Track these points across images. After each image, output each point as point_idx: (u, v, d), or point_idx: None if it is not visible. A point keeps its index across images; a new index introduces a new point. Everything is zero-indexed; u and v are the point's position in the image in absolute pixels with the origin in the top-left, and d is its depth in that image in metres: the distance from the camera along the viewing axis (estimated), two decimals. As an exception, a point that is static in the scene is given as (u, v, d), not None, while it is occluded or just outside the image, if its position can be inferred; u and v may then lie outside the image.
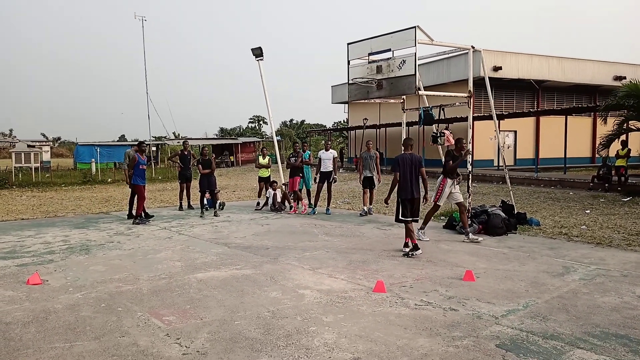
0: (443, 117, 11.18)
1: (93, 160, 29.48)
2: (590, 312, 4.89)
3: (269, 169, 13.86)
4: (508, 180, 11.03)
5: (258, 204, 13.38)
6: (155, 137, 33.88)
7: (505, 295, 5.45)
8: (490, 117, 16.67)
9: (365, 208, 11.85)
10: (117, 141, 70.01)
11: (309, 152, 12.87)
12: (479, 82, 17.99)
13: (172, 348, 4.08)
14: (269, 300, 5.33)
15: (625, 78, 28.97)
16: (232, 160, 44.09)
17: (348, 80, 10.07)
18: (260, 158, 13.90)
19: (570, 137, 22.25)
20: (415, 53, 8.74)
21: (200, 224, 10.76)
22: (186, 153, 13.77)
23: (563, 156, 20.88)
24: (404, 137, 8.85)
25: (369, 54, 9.61)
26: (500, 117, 22.99)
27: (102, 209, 13.76)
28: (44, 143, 33.41)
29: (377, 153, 12.35)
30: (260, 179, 13.78)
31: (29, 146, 26.56)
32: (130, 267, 6.90)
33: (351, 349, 4.02)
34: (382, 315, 4.85)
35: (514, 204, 10.27)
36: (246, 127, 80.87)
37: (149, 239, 8.98)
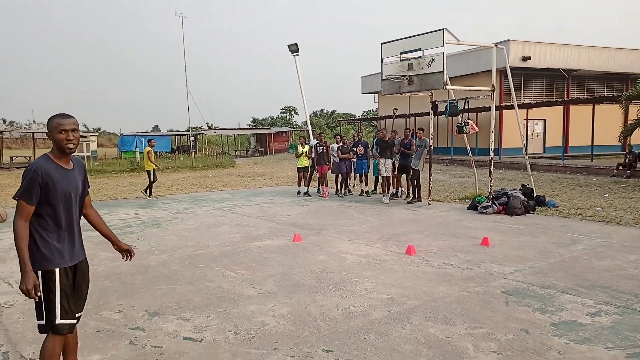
0: (467, 108, 12.11)
1: (137, 149, 31.37)
2: (585, 271, 5.91)
3: (308, 159, 14.11)
4: (529, 166, 11.95)
5: (299, 192, 13.77)
6: (192, 128, 35.51)
7: (515, 260, 6.51)
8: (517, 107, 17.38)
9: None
10: (151, 131, 72.75)
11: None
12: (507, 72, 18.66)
13: (249, 290, 5.34)
14: (318, 261, 6.55)
15: (658, 65, 28.94)
16: (262, 149, 45.77)
17: (382, 76, 11.14)
18: (300, 147, 14.10)
19: (601, 125, 22.61)
20: (444, 52, 9.73)
21: (247, 205, 12.08)
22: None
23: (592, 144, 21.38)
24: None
25: (401, 53, 10.65)
26: (529, 106, 23.56)
27: (157, 193, 15.24)
28: (90, 134, 35.62)
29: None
30: (300, 169, 14.02)
31: (81, 137, 28.60)
32: (199, 237, 8.24)
33: (386, 292, 5.20)
34: (410, 272, 6.00)
35: (533, 187, 11.18)
36: (277, 117, 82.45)
37: (207, 217, 10.34)
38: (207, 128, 54.36)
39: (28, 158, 31.75)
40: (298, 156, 14.13)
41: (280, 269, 6.17)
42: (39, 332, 3.03)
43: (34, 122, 74.26)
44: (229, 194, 14.84)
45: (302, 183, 13.95)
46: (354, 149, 13.57)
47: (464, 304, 4.83)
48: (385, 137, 12.81)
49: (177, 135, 49.07)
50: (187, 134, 42.03)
